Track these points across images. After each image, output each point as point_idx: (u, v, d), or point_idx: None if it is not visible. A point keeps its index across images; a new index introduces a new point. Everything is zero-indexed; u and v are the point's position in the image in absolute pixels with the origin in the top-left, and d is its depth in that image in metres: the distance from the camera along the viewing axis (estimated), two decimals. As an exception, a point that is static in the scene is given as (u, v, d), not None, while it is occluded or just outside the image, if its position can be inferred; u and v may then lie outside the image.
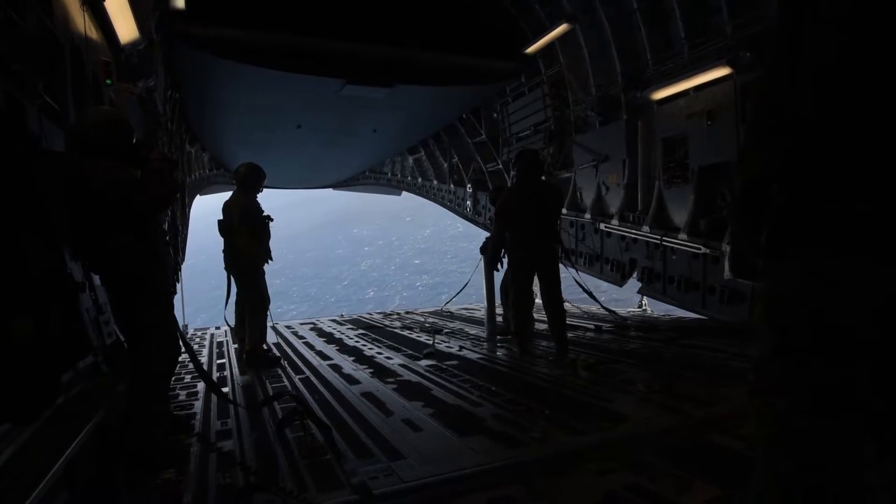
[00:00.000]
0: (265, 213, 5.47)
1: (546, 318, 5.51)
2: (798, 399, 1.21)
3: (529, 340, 5.43)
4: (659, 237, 7.23)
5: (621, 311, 8.25)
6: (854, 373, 1.15)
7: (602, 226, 8.53)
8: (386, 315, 9.78)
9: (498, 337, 6.16)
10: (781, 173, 1.23)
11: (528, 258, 5.22)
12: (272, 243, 5.56)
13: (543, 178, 6.20)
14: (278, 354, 5.72)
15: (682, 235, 6.83)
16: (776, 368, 1.26)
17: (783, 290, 1.25)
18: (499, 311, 6.71)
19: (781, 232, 1.24)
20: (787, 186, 1.22)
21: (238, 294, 5.59)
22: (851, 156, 1.13)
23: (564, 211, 9.41)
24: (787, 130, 1.20)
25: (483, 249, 6.46)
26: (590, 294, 6.76)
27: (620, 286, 8.51)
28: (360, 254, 76.85)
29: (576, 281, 6.79)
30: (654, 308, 8.61)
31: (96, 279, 3.16)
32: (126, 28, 4.52)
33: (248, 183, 5.43)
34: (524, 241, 5.18)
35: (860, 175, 1.12)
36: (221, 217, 5.40)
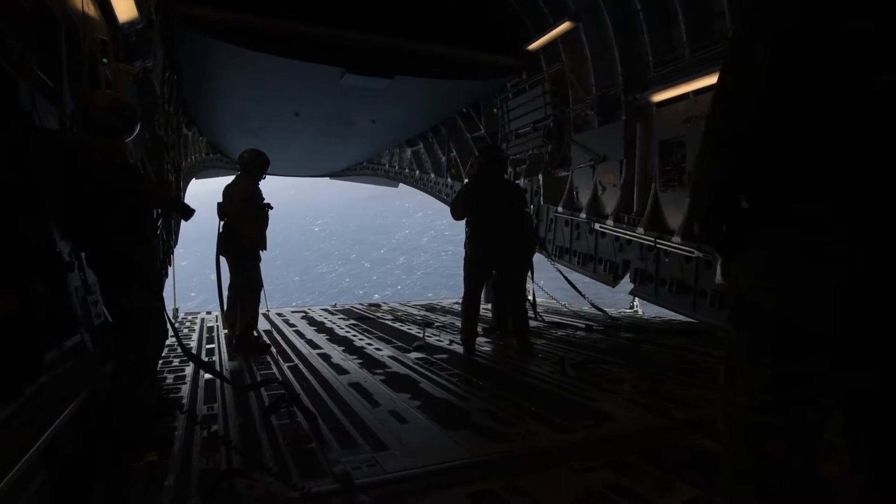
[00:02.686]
0: (266, 201, 5.48)
1: (509, 320, 5.51)
2: (756, 396, 1.26)
3: (473, 341, 5.32)
4: (653, 239, 7.25)
5: (611, 311, 8.28)
6: (809, 369, 1.20)
7: (597, 226, 8.54)
8: (378, 307, 9.77)
9: (484, 327, 6.16)
10: (728, 180, 1.31)
11: (485, 256, 5.18)
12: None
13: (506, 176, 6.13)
14: (268, 342, 5.71)
15: (676, 238, 6.85)
16: (736, 366, 1.32)
17: (739, 291, 1.32)
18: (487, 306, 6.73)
19: (733, 235, 1.34)
20: (737, 191, 1.32)
21: (231, 279, 5.59)
22: (785, 163, 1.22)
23: (560, 209, 9.42)
24: (729, 143, 1.29)
25: None
26: (578, 291, 6.81)
27: (613, 287, 8.52)
28: (398, 225, 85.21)
29: (565, 279, 6.83)
30: (646, 310, 8.65)
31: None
32: (125, 7, 4.47)
33: (251, 168, 5.46)
34: (481, 238, 5.13)
35: (793, 180, 1.21)
36: (221, 200, 5.41)
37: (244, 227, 5.28)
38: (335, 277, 69.00)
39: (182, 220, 4.93)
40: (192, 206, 3.48)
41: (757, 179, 1.27)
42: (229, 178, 5.75)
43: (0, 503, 1.33)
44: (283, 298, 61.53)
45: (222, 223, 5.43)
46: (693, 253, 6.60)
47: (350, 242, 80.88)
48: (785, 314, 1.20)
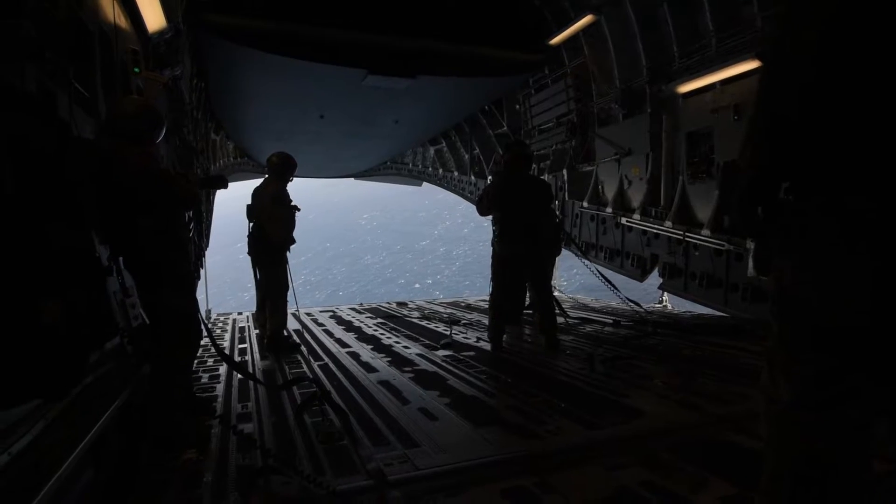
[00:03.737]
0: (293, 203, 5.60)
1: (536, 318, 5.47)
2: (797, 392, 1.22)
3: (500, 338, 5.30)
4: (681, 233, 7.13)
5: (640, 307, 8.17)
6: (849, 365, 1.16)
7: (623, 220, 8.44)
8: (404, 305, 9.84)
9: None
10: (772, 168, 1.27)
11: (511, 254, 5.15)
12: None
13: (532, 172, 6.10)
14: (298, 341, 5.81)
15: (706, 231, 6.72)
16: (779, 363, 1.29)
17: (781, 284, 1.28)
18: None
19: (771, 223, 1.30)
20: (781, 180, 1.28)
21: (259, 280, 5.72)
22: (839, 151, 1.17)
23: (585, 204, 9.33)
24: (779, 130, 1.24)
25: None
26: (612, 285, 6.72)
27: (641, 281, 8.42)
28: (440, 217, 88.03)
29: (599, 274, 6.77)
30: (675, 304, 8.51)
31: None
32: (154, 17, 4.59)
33: (279, 171, 5.60)
34: (508, 236, 5.10)
35: (847, 170, 1.16)
36: (250, 202, 5.55)
37: (274, 228, 5.41)
38: (379, 268, 71.93)
39: (218, 190, 5.10)
40: (222, 209, 3.56)
41: (805, 166, 1.22)
42: (257, 181, 5.88)
43: (52, 497, 1.39)
44: (329, 289, 65.48)
45: (251, 224, 5.57)
46: (724, 246, 6.47)
47: (395, 234, 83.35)
48: (826, 309, 1.17)
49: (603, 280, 6.75)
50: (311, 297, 62.76)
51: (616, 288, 6.77)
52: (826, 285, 1.17)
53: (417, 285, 60.00)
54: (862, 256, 1.12)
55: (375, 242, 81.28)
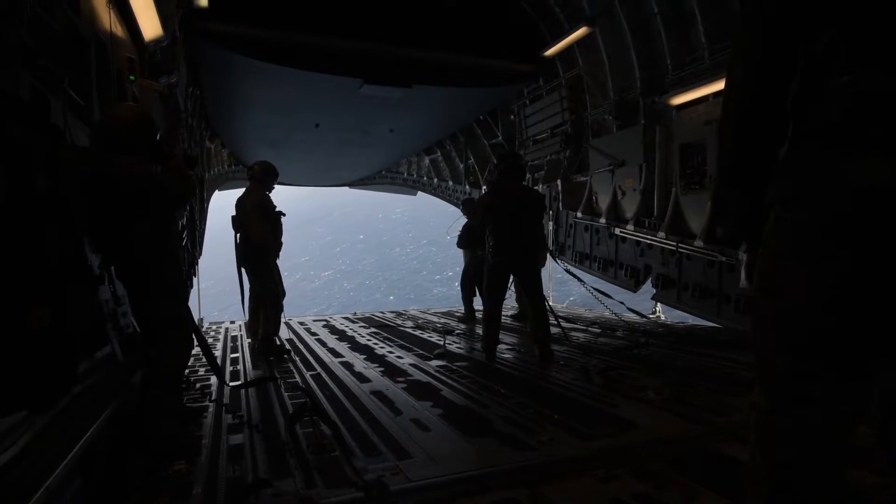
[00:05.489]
0: (277, 209, 5.62)
1: (530, 327, 5.48)
2: (769, 397, 1.22)
3: (494, 348, 5.34)
4: (675, 243, 7.16)
5: (633, 317, 8.18)
6: (815, 368, 1.15)
7: (617, 231, 8.47)
8: (399, 315, 9.81)
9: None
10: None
11: (504, 264, 5.19)
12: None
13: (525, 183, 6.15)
14: (289, 348, 5.84)
15: (698, 242, 6.76)
16: (757, 368, 1.30)
17: (755, 286, 1.28)
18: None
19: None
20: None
21: (252, 288, 5.71)
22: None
23: (579, 215, 9.36)
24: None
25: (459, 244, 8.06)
26: (601, 294, 6.78)
27: (634, 292, 8.43)
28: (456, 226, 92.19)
29: (591, 288, 6.79)
30: (668, 315, 8.53)
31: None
32: (150, 25, 4.59)
33: (262, 179, 5.65)
34: (502, 246, 5.12)
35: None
36: (234, 213, 5.56)
37: (257, 232, 5.42)
38: (405, 259, 74.78)
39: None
40: (217, 218, 3.55)
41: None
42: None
43: (38, 510, 1.37)
44: (356, 279, 68.74)
45: (238, 235, 5.57)
46: (716, 257, 6.50)
47: (423, 227, 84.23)
48: (794, 311, 1.16)
49: (594, 294, 6.82)
50: (339, 285, 68.61)
51: (607, 295, 6.83)
52: (792, 287, 1.17)
53: (438, 276, 62.49)
54: (823, 259, 1.11)
55: (405, 236, 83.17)
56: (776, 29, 1.18)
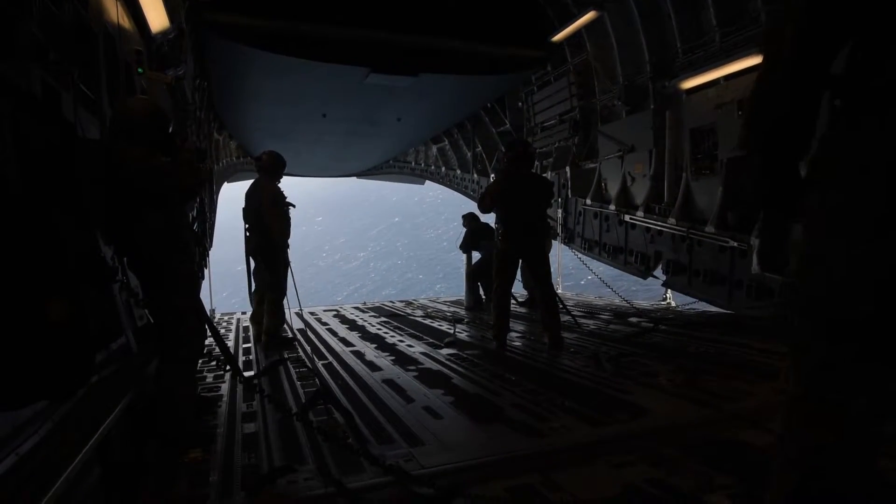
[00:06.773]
0: (287, 200, 5.62)
1: (539, 313, 5.50)
2: (801, 383, 1.21)
3: (504, 336, 5.34)
4: (685, 229, 7.11)
5: (644, 304, 8.17)
6: (850, 354, 1.13)
7: (627, 217, 8.42)
8: (408, 304, 9.85)
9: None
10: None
11: (513, 251, 5.20)
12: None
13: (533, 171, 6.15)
14: (291, 335, 5.95)
15: (710, 228, 6.70)
16: (790, 353, 1.27)
17: (797, 274, 1.25)
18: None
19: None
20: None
21: (262, 279, 5.74)
22: None
23: (588, 202, 9.31)
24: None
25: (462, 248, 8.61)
26: (607, 286, 6.76)
27: (645, 279, 8.39)
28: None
29: (597, 276, 6.78)
30: (679, 302, 8.49)
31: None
32: (157, 17, 4.59)
33: (271, 170, 5.60)
34: (510, 234, 5.14)
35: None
36: (245, 205, 5.56)
37: (279, 229, 5.43)
38: (436, 240, 76.74)
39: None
40: (226, 209, 3.57)
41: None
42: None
43: (60, 497, 1.40)
44: (389, 260, 71.91)
45: (247, 227, 5.58)
46: (727, 242, 6.45)
47: (459, 209, 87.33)
48: (831, 296, 1.14)
49: (601, 278, 6.80)
50: (373, 264, 72.05)
51: (607, 284, 6.82)
52: (829, 270, 1.14)
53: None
54: (862, 242, 1.09)
55: (438, 218, 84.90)
56: None
